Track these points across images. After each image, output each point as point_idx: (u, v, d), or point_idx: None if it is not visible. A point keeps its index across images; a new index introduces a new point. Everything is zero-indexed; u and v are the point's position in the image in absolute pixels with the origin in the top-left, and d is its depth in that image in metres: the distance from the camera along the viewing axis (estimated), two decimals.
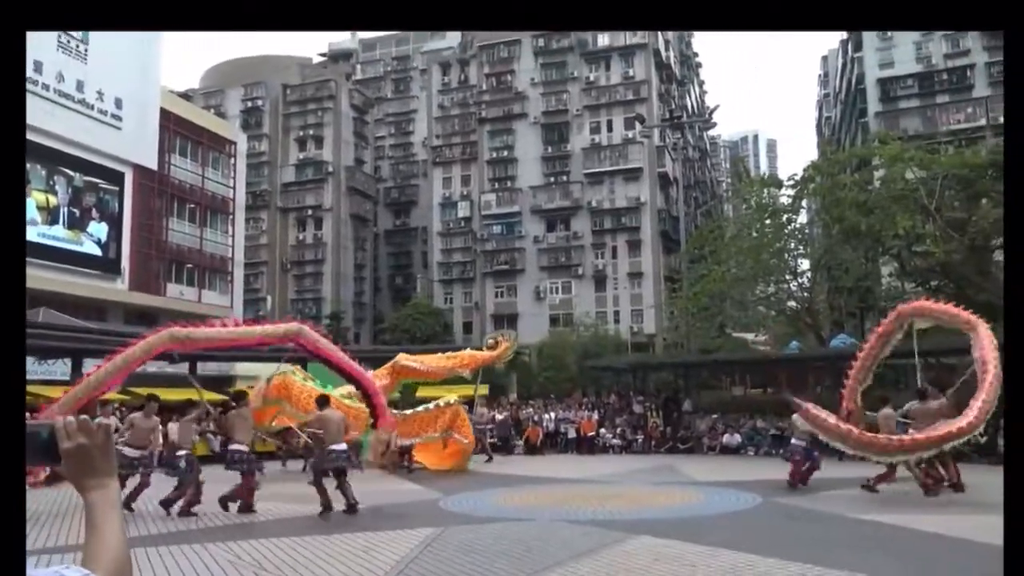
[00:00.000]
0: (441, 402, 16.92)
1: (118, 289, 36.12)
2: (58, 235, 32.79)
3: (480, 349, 20.76)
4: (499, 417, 25.19)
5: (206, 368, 27.22)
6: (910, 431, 12.72)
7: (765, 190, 30.75)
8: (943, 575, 6.65)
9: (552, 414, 25.67)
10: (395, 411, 15.55)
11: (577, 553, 7.73)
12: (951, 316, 14.05)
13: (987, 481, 13.81)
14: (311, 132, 63.20)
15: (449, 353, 19.01)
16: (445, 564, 7.23)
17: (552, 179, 56.65)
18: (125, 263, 36.81)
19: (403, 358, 17.60)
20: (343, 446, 11.04)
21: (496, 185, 57.93)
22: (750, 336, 43.10)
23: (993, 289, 25.05)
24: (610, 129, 55.70)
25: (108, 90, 35.04)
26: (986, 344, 12.80)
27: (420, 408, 16.90)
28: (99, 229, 35.66)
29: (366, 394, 12.97)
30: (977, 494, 12.48)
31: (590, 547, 8.07)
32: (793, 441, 13.72)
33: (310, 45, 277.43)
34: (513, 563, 7.26)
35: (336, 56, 77.88)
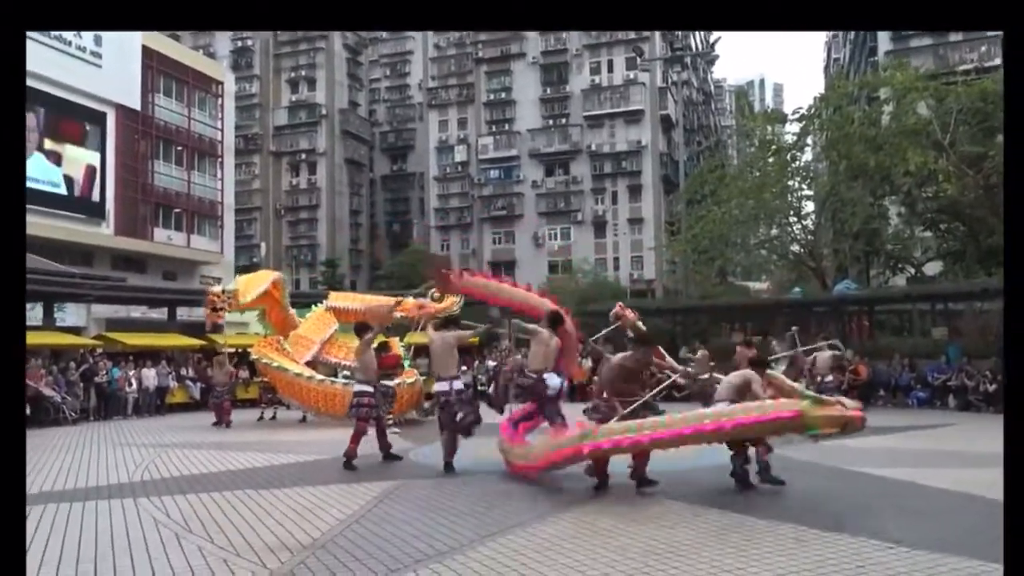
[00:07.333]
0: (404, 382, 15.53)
1: (104, 234, 35.18)
2: (38, 177, 31.65)
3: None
4: (491, 364, 24.44)
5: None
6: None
7: (769, 126, 29.42)
8: (951, 533, 5.83)
9: None
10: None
11: (543, 512, 6.91)
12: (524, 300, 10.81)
13: (997, 433, 13.02)
14: (303, 73, 61.39)
15: (398, 298, 17.43)
16: (389, 527, 6.40)
17: (551, 122, 55.09)
18: (110, 207, 35.79)
19: (334, 297, 16.48)
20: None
21: (494, 128, 56.43)
22: (752, 284, 42.13)
23: None
24: (611, 70, 53.90)
25: None
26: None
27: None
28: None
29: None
30: (983, 446, 11.69)
31: (559, 505, 7.26)
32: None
33: None
34: (467, 523, 6.43)
35: None
